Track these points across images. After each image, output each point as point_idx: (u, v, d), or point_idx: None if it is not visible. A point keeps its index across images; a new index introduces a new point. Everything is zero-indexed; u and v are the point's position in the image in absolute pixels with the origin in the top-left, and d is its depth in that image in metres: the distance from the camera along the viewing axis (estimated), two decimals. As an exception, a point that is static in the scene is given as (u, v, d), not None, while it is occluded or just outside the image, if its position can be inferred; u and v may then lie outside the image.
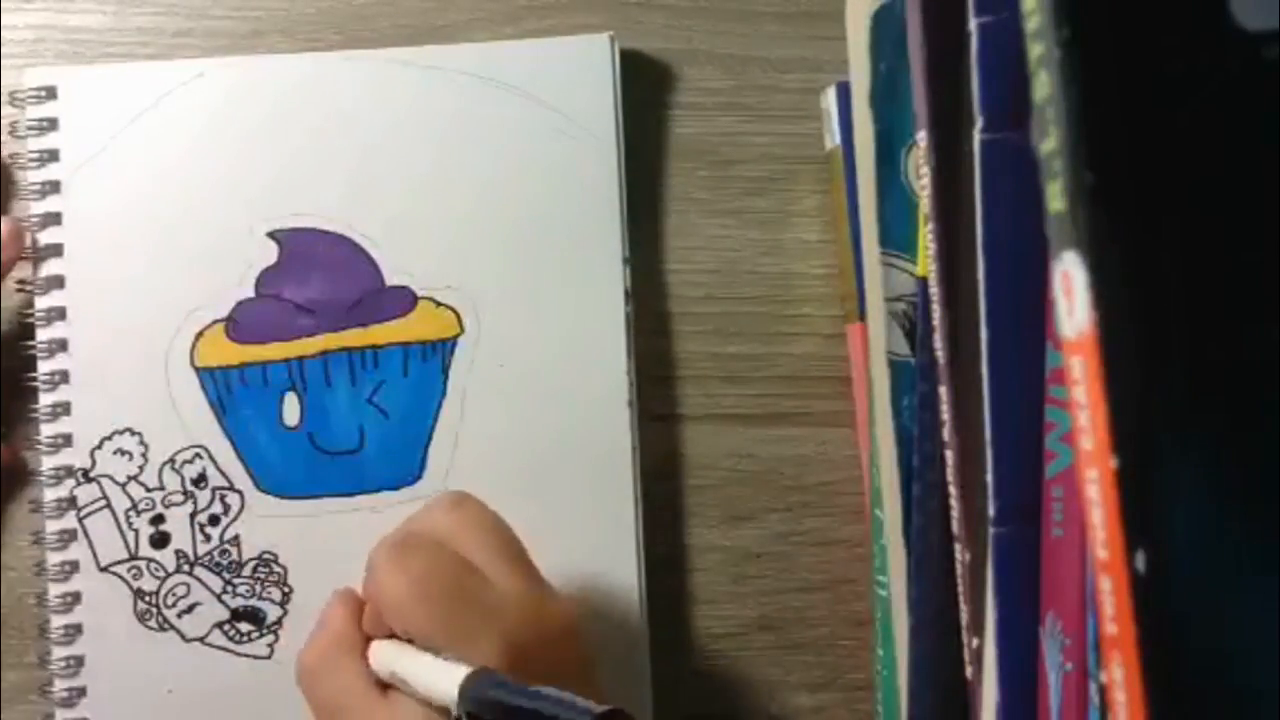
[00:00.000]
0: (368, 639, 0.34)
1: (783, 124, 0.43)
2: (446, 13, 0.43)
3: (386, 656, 0.33)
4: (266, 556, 0.40)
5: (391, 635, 0.34)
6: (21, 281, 0.40)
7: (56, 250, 0.40)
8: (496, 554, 0.34)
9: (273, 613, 0.40)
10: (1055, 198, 0.23)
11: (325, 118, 0.41)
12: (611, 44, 0.42)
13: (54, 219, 0.41)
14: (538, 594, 0.34)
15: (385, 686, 0.33)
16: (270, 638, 0.40)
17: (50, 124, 0.41)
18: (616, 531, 0.40)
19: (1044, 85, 0.23)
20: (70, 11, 0.42)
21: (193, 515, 0.40)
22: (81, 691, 0.39)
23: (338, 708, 0.33)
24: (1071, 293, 0.22)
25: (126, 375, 0.40)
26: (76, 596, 0.40)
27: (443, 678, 0.30)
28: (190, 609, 0.40)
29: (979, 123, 0.29)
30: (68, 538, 0.40)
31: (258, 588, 0.40)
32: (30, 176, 0.41)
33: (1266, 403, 0.21)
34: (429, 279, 0.41)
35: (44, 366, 0.40)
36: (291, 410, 0.40)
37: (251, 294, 0.41)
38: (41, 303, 0.40)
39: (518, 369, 0.41)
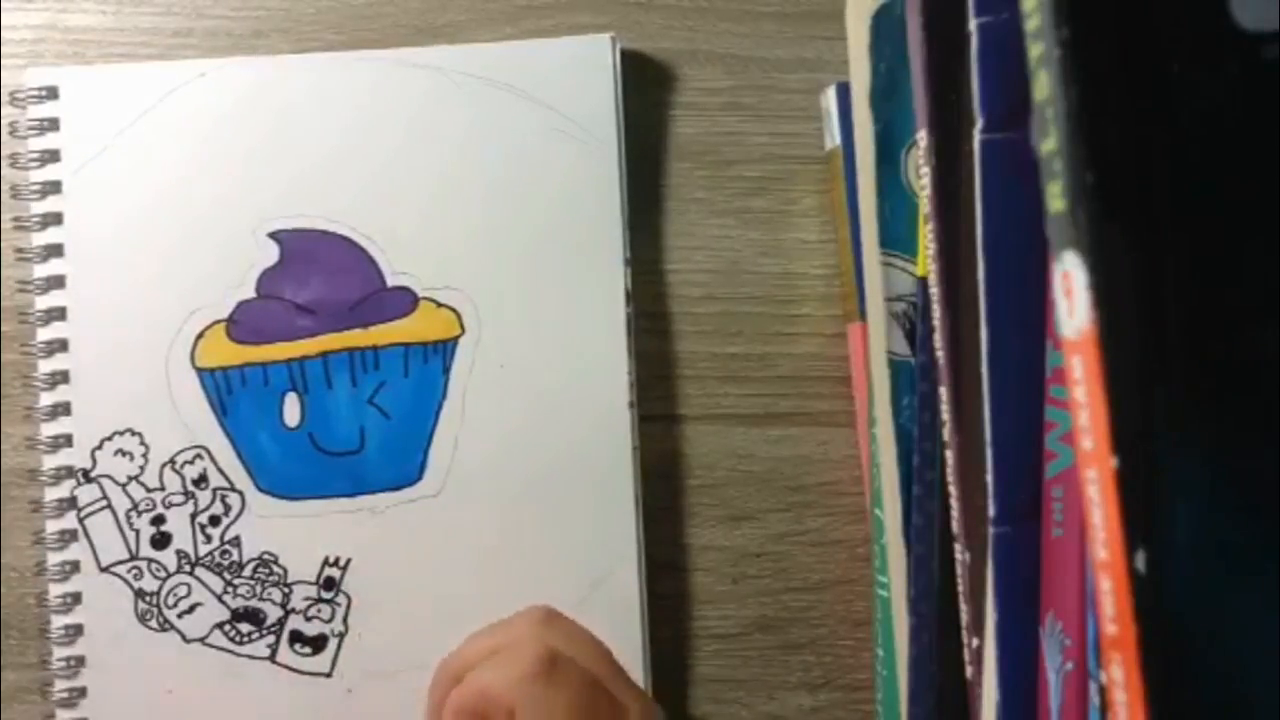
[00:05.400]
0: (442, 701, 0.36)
1: (783, 124, 0.43)
2: (446, 13, 0.43)
3: None
4: (267, 557, 0.40)
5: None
6: (22, 281, 0.41)
7: (57, 250, 0.40)
8: (613, 671, 0.37)
9: (273, 613, 0.40)
10: (1055, 198, 0.23)
11: (326, 118, 0.41)
12: (612, 44, 0.42)
13: (54, 219, 0.41)
14: (645, 702, 0.37)
15: None
16: (270, 638, 0.40)
17: (51, 124, 0.41)
18: (616, 531, 0.40)
19: (1044, 85, 0.23)
20: (71, 11, 0.42)
21: (193, 516, 0.40)
22: (82, 692, 0.39)
23: None
24: (1071, 293, 0.22)
25: (127, 375, 0.40)
26: (77, 597, 0.40)
27: None
28: (191, 609, 0.40)
29: (979, 123, 0.29)
30: (68, 538, 0.40)
31: (258, 588, 0.40)
32: (31, 176, 0.41)
33: (1266, 403, 0.21)
34: (430, 279, 0.41)
35: (44, 366, 0.40)
36: (292, 411, 0.40)
37: (252, 294, 0.41)
38: (41, 303, 0.40)
39: (518, 369, 0.41)
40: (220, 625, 0.40)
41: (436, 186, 0.41)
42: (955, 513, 0.33)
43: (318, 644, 0.40)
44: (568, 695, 0.34)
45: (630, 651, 0.39)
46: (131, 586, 0.40)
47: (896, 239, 0.37)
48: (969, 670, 0.32)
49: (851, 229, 0.40)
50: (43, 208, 0.41)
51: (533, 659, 0.35)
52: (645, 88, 0.43)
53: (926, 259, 0.34)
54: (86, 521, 0.40)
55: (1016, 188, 0.28)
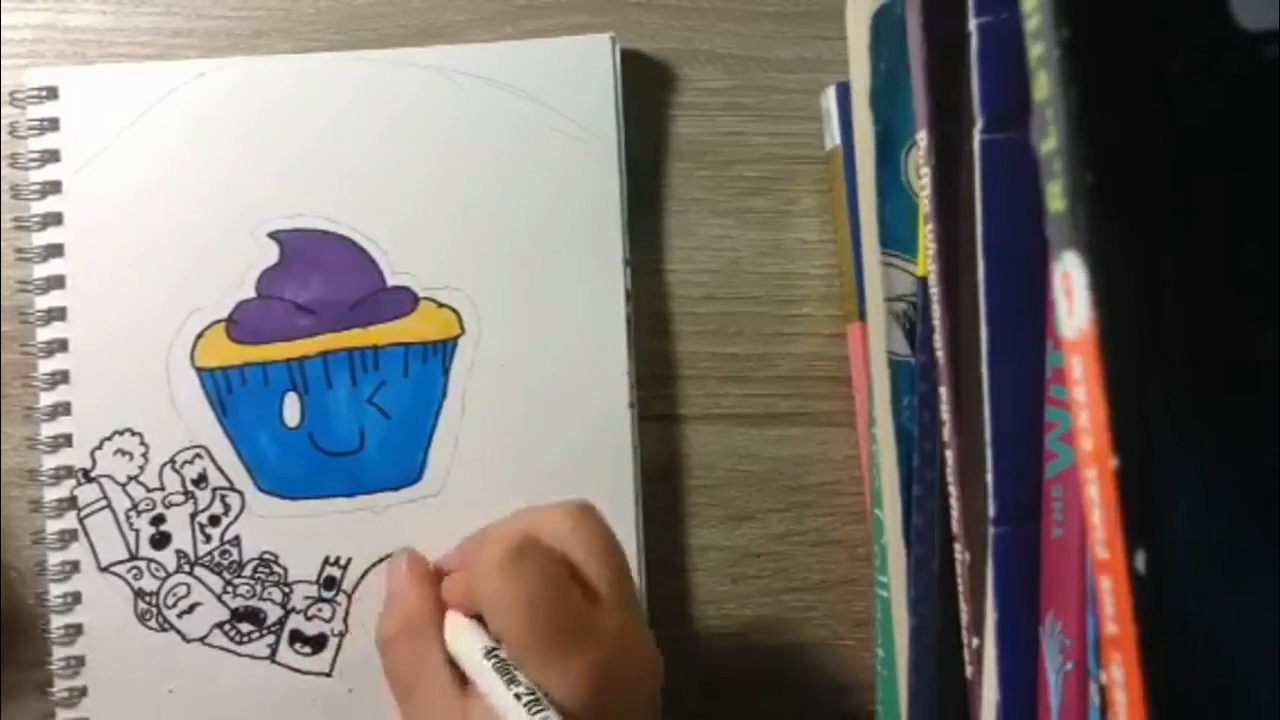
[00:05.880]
0: (443, 607, 0.35)
1: (783, 124, 0.43)
2: (446, 13, 0.43)
3: (467, 653, 0.34)
4: (267, 557, 0.40)
5: (475, 615, 0.34)
6: (22, 281, 0.41)
7: (57, 250, 0.40)
8: (609, 581, 0.34)
9: (273, 613, 0.40)
10: (1055, 198, 0.23)
11: (326, 118, 0.41)
12: (612, 44, 0.42)
13: (55, 219, 0.41)
14: (636, 626, 0.35)
15: (459, 673, 0.34)
16: (270, 638, 0.40)
17: (51, 124, 0.41)
18: (616, 531, 0.40)
19: (1044, 85, 0.23)
20: (70, 11, 0.42)
21: (193, 515, 0.40)
22: (82, 691, 0.39)
23: (411, 686, 0.35)
24: (1071, 293, 0.22)
25: (127, 375, 0.40)
26: (77, 596, 0.40)
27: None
28: (191, 609, 0.40)
29: (979, 123, 0.29)
30: (68, 538, 0.40)
31: (258, 588, 0.40)
32: (31, 176, 0.41)
33: (1266, 403, 0.21)
34: (430, 279, 0.41)
35: (44, 366, 0.40)
36: (292, 411, 0.40)
37: (252, 294, 0.41)
38: (41, 303, 0.40)
39: (518, 369, 0.41)
40: (220, 625, 0.40)
41: (436, 187, 0.41)
42: (955, 513, 0.33)
43: (318, 644, 0.40)
44: (531, 583, 0.33)
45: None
46: (131, 586, 0.40)
47: (896, 239, 0.37)
48: (969, 670, 0.32)
49: (851, 229, 0.40)
50: (43, 208, 0.41)
51: (499, 549, 0.33)
52: (645, 88, 0.43)
53: (926, 259, 0.34)
54: (86, 521, 0.40)
55: (1016, 188, 0.28)
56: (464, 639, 0.34)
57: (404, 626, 0.36)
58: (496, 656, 0.32)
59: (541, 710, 0.30)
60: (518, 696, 0.31)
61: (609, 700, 0.32)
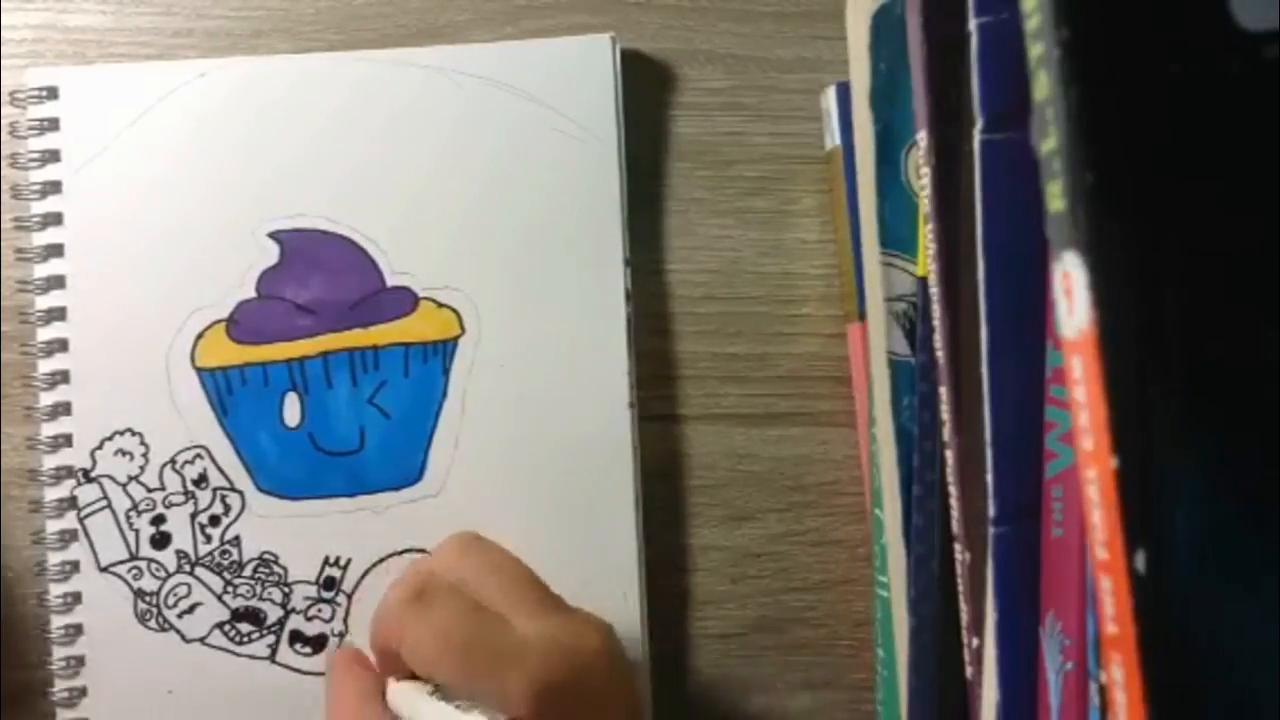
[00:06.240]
0: (383, 680, 0.35)
1: (783, 124, 0.43)
2: (446, 13, 0.43)
3: (407, 701, 0.34)
4: (267, 557, 0.40)
5: (409, 676, 0.34)
6: (22, 281, 0.41)
7: (57, 250, 0.40)
8: (512, 594, 0.34)
9: (273, 613, 0.40)
10: (1055, 198, 0.23)
11: (327, 118, 0.41)
12: (612, 44, 0.42)
13: (55, 219, 0.41)
14: (562, 627, 0.34)
15: None
16: (270, 638, 0.40)
17: (51, 124, 0.41)
18: (616, 531, 0.40)
19: (1044, 85, 0.23)
20: (70, 11, 0.42)
21: (193, 515, 0.40)
22: (82, 692, 0.39)
23: None
24: (1071, 293, 0.22)
25: (127, 375, 0.40)
26: (77, 597, 0.40)
27: None
28: (191, 609, 0.40)
29: (979, 123, 0.29)
30: (68, 538, 0.40)
31: (258, 588, 0.40)
32: (31, 176, 0.41)
33: (1266, 403, 0.21)
34: (430, 279, 0.41)
35: (44, 366, 0.40)
36: (292, 411, 0.40)
37: (252, 294, 0.41)
38: (41, 303, 0.40)
39: (519, 369, 0.41)
40: (220, 625, 0.40)
41: (436, 187, 0.41)
42: (955, 513, 0.33)
43: (318, 644, 0.40)
44: (437, 617, 0.33)
45: (630, 651, 0.39)
46: (131, 586, 0.40)
47: (896, 239, 0.37)
48: (969, 670, 0.32)
49: (851, 229, 0.40)
50: (43, 208, 0.41)
51: (401, 588, 0.34)
52: (645, 88, 0.43)
53: (926, 259, 0.34)
54: (86, 521, 0.40)
55: (1016, 188, 0.28)
56: (406, 695, 0.34)
57: (344, 714, 0.35)
58: (440, 692, 0.33)
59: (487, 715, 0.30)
60: (458, 707, 0.31)
61: (561, 708, 0.31)
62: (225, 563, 0.40)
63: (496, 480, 0.40)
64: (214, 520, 0.40)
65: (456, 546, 0.36)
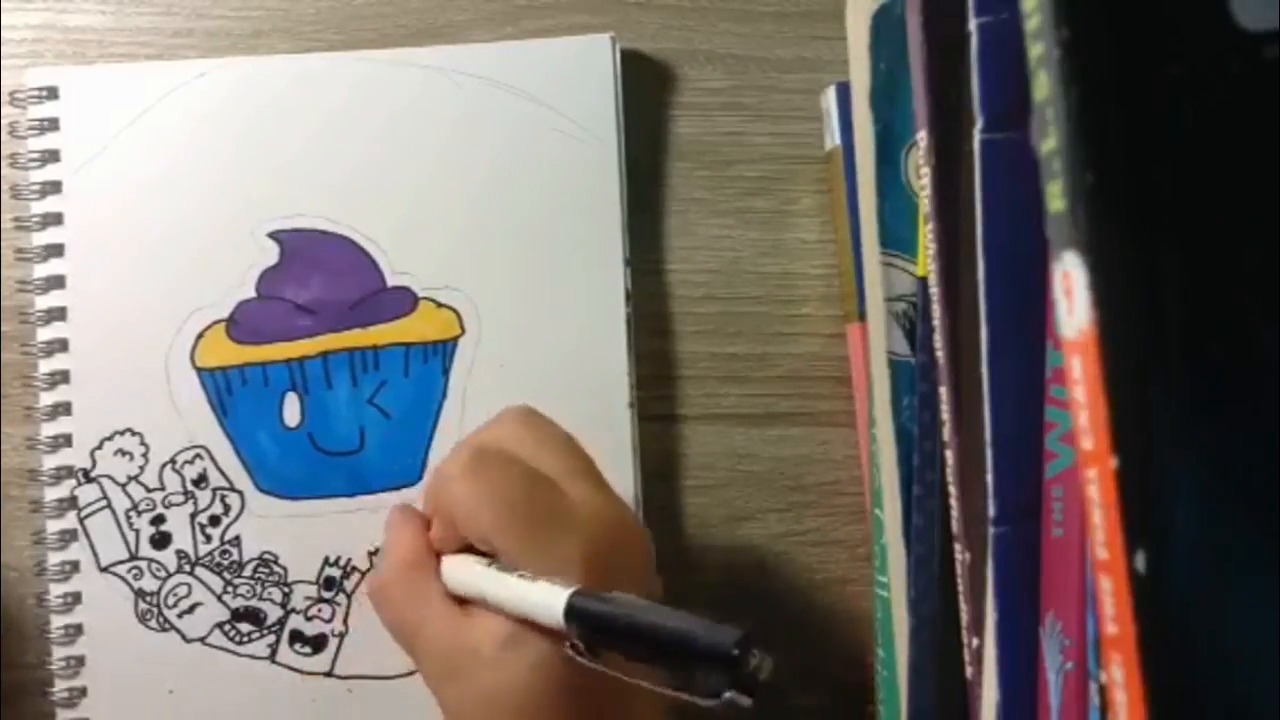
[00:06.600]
0: (438, 554, 0.34)
1: (783, 124, 0.43)
2: (446, 13, 0.43)
3: (467, 576, 0.33)
4: (267, 557, 0.40)
5: (463, 549, 0.34)
6: (22, 281, 0.41)
7: (57, 250, 0.40)
8: (569, 467, 0.34)
9: (273, 613, 0.40)
10: (1055, 198, 0.23)
11: (326, 118, 0.41)
12: (612, 44, 0.42)
13: (55, 219, 0.41)
14: (610, 504, 0.34)
15: (463, 602, 0.33)
16: (270, 638, 0.40)
17: (51, 124, 0.41)
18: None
19: (1044, 85, 0.23)
20: (70, 11, 0.42)
21: (193, 516, 0.40)
22: (82, 692, 0.39)
23: (416, 628, 0.33)
24: (1071, 293, 0.22)
25: (127, 375, 0.40)
26: (77, 597, 0.40)
27: (541, 597, 0.29)
28: (191, 609, 0.40)
29: (979, 123, 0.29)
30: (68, 538, 0.40)
31: (258, 588, 0.40)
32: (31, 176, 0.41)
33: (1266, 403, 0.21)
34: (430, 279, 0.41)
35: (44, 366, 0.40)
36: (292, 411, 0.40)
37: (252, 294, 0.41)
38: (41, 303, 0.40)
39: (518, 369, 0.41)
40: (220, 625, 0.40)
41: (436, 187, 0.41)
42: (955, 513, 0.33)
43: (318, 644, 0.40)
44: (495, 483, 0.33)
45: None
46: (131, 586, 0.40)
47: (896, 239, 0.37)
48: (969, 670, 0.32)
49: (851, 229, 0.40)
50: (43, 208, 0.41)
51: (456, 457, 0.34)
52: (645, 88, 0.43)
53: (926, 259, 0.34)
54: (86, 521, 0.40)
55: (1016, 188, 0.28)
56: (461, 566, 0.33)
57: (399, 568, 0.34)
58: (498, 564, 0.32)
59: (554, 583, 0.30)
60: (521, 576, 0.30)
61: (604, 576, 0.31)
62: (225, 563, 0.40)
63: (496, 480, 0.40)
64: (214, 520, 0.40)
65: (515, 417, 0.36)
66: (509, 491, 0.33)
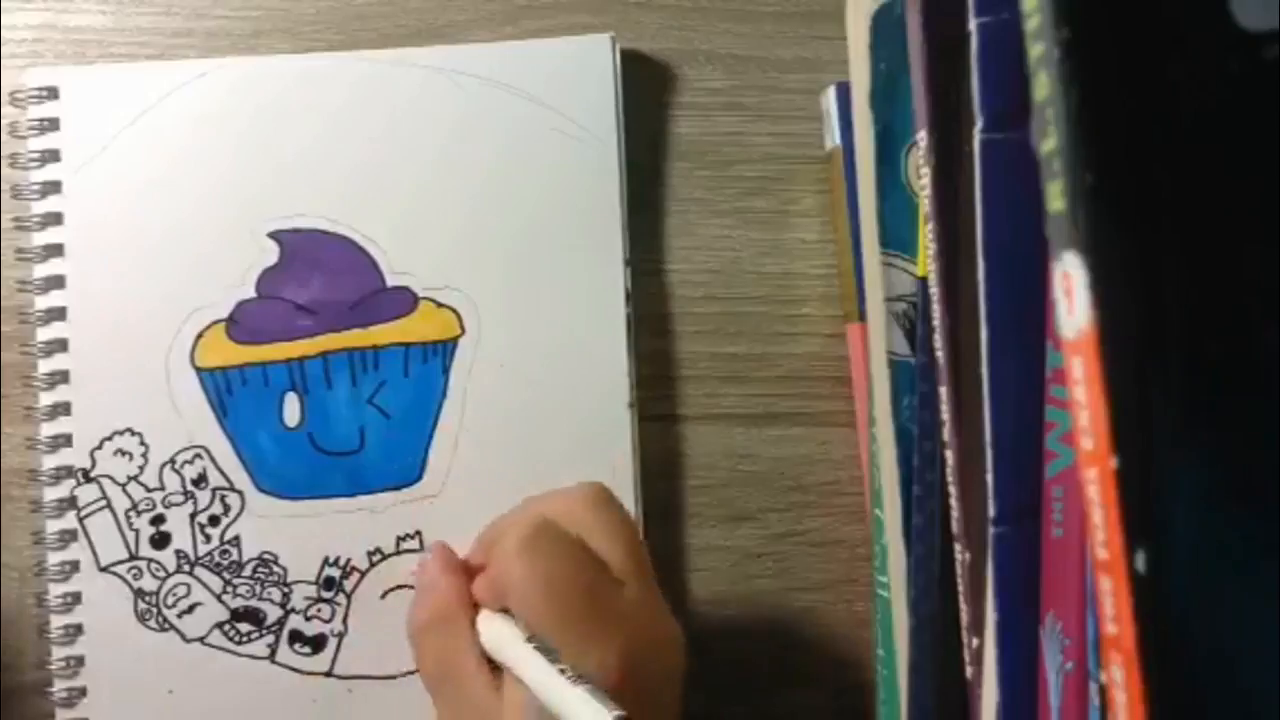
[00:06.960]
0: (475, 604, 0.35)
1: (783, 124, 0.43)
2: (446, 13, 0.43)
3: (508, 648, 0.33)
4: (266, 557, 0.40)
5: (504, 609, 0.34)
6: (22, 281, 0.41)
7: (57, 250, 0.40)
8: (628, 560, 0.34)
9: (273, 613, 0.40)
10: (1055, 198, 0.23)
11: (327, 118, 0.41)
12: (612, 44, 0.42)
13: (54, 219, 0.41)
14: (656, 608, 0.35)
15: (492, 663, 0.33)
16: (270, 638, 0.40)
17: (51, 124, 0.41)
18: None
19: (1044, 85, 0.23)
20: (70, 11, 0.42)
21: (193, 515, 0.40)
22: (82, 692, 0.39)
23: (445, 675, 0.34)
24: (1071, 293, 0.22)
25: (126, 375, 0.40)
26: (77, 597, 0.40)
27: (582, 708, 0.29)
28: (190, 609, 0.40)
29: (979, 123, 0.29)
30: (68, 538, 0.40)
31: (258, 588, 0.40)
32: (31, 176, 0.41)
33: (1266, 403, 0.21)
34: (430, 279, 0.41)
35: (44, 366, 0.40)
36: (292, 411, 0.40)
37: (252, 294, 0.41)
38: (41, 303, 0.40)
39: (518, 370, 0.41)
40: (220, 625, 0.40)
41: (436, 186, 0.41)
42: (955, 513, 0.33)
43: (318, 644, 0.40)
44: (549, 569, 0.33)
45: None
46: (131, 586, 0.40)
47: (896, 239, 0.37)
48: (969, 670, 0.32)
49: (851, 229, 0.40)
50: (43, 208, 0.41)
51: (516, 536, 0.34)
52: (645, 88, 0.43)
53: (926, 259, 0.34)
54: (86, 521, 0.40)
55: (1016, 188, 0.28)
56: (500, 630, 0.34)
57: (437, 616, 0.35)
58: (538, 641, 0.32)
59: (586, 684, 0.30)
60: (563, 672, 0.30)
61: (639, 680, 0.32)
62: (225, 563, 0.40)
63: (496, 480, 0.40)
64: (214, 520, 0.40)
65: (588, 497, 0.36)
66: (564, 582, 0.33)
